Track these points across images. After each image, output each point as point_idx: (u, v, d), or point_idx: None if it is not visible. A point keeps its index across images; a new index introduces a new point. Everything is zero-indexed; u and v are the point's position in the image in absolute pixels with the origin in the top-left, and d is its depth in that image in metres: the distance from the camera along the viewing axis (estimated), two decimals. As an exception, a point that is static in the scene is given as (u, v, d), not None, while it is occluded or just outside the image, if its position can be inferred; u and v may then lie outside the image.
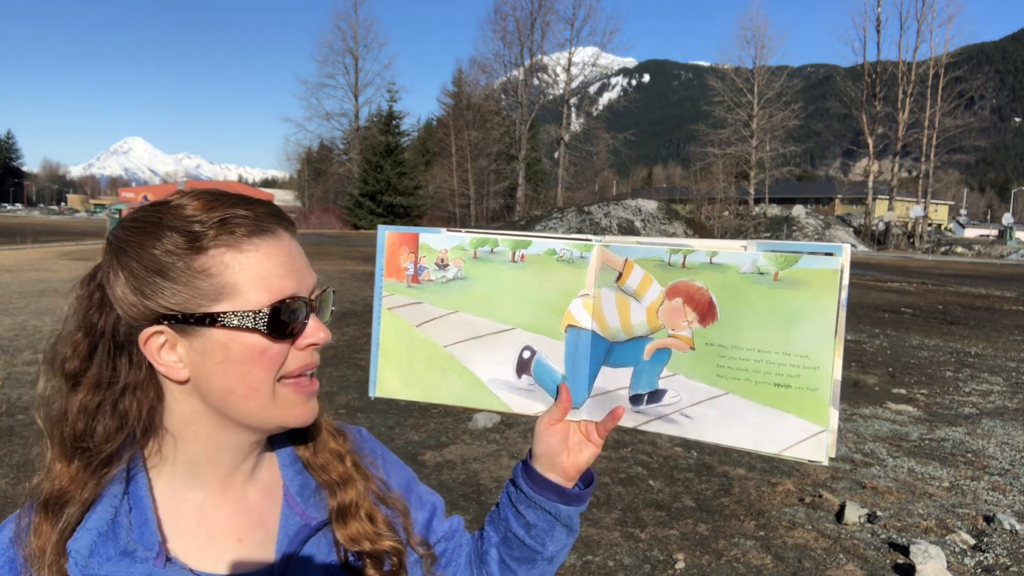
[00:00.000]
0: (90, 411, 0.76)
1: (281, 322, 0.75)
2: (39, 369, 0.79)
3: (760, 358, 0.79)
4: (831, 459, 0.78)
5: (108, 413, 0.76)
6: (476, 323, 0.92)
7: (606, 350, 0.88)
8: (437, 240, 0.92)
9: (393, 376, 0.94)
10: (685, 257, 0.83)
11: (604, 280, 0.88)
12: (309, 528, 0.85)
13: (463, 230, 0.93)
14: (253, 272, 0.74)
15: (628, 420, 0.88)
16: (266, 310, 0.74)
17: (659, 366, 0.85)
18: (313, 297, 0.80)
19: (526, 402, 0.92)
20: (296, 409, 0.79)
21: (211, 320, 0.73)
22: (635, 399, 0.87)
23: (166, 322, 0.74)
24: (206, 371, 0.75)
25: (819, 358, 0.77)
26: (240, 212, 0.75)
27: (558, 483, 0.94)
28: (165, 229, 0.74)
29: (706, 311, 0.82)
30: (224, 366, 0.74)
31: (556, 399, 0.91)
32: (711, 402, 0.82)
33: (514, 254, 0.91)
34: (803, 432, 0.78)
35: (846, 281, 0.76)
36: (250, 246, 0.75)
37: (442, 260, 0.92)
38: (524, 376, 0.92)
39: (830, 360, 0.76)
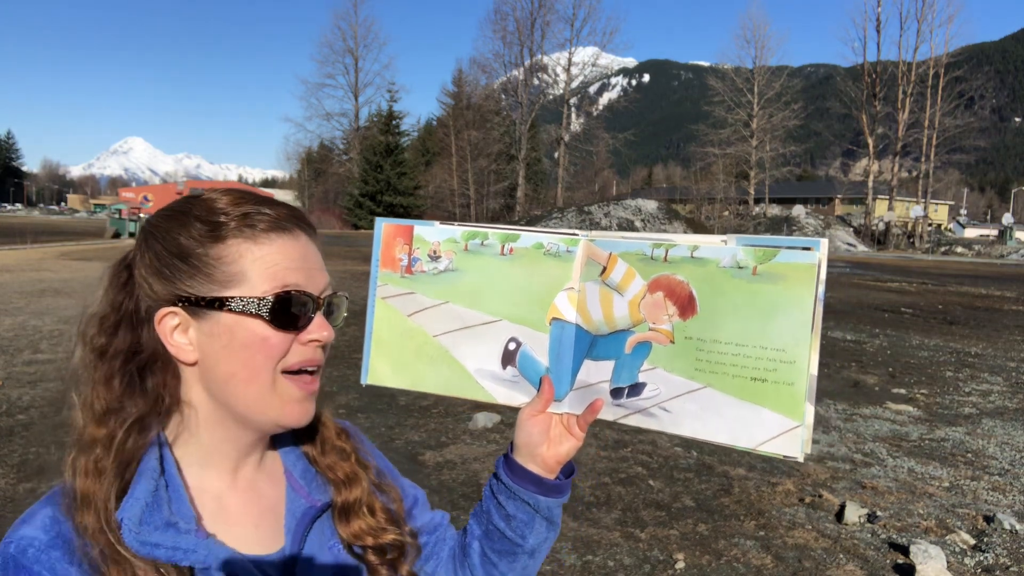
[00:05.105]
0: (117, 380, 0.80)
1: (284, 312, 0.78)
2: (73, 343, 0.83)
3: (738, 352, 0.79)
4: (807, 455, 0.78)
5: (134, 382, 0.80)
6: (465, 314, 0.93)
7: (589, 343, 0.89)
8: (431, 232, 0.95)
9: (385, 364, 0.96)
10: (667, 251, 0.84)
11: (589, 274, 0.89)
12: (315, 509, 0.88)
13: (456, 223, 0.95)
14: (264, 263, 0.79)
15: (608, 413, 0.88)
16: (270, 298, 0.78)
17: (640, 360, 0.85)
18: (322, 296, 0.82)
19: (510, 393, 0.93)
20: (292, 405, 0.81)
21: (220, 304, 0.77)
22: (615, 392, 0.87)
23: (181, 304, 0.78)
24: (212, 354, 0.78)
25: (795, 352, 0.77)
26: (264, 210, 0.81)
27: (537, 473, 0.95)
28: (192, 218, 0.80)
29: (686, 305, 0.82)
30: (228, 350, 0.78)
31: (538, 391, 0.92)
32: (689, 396, 0.82)
33: (503, 247, 0.93)
34: (778, 427, 0.78)
35: (823, 275, 0.76)
36: (266, 240, 0.79)
37: (435, 252, 0.94)
38: (509, 367, 0.93)
39: (806, 354, 0.76)
